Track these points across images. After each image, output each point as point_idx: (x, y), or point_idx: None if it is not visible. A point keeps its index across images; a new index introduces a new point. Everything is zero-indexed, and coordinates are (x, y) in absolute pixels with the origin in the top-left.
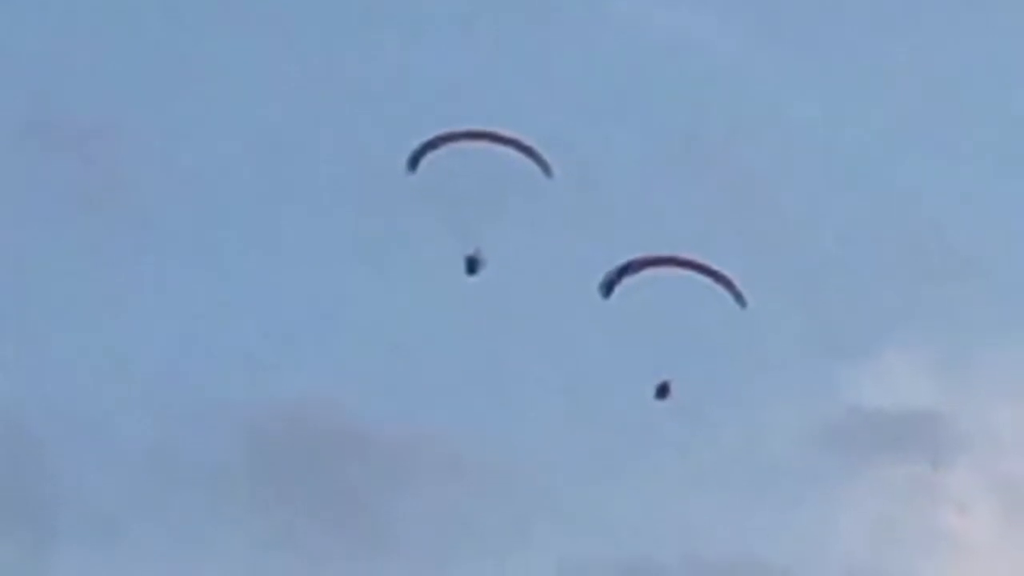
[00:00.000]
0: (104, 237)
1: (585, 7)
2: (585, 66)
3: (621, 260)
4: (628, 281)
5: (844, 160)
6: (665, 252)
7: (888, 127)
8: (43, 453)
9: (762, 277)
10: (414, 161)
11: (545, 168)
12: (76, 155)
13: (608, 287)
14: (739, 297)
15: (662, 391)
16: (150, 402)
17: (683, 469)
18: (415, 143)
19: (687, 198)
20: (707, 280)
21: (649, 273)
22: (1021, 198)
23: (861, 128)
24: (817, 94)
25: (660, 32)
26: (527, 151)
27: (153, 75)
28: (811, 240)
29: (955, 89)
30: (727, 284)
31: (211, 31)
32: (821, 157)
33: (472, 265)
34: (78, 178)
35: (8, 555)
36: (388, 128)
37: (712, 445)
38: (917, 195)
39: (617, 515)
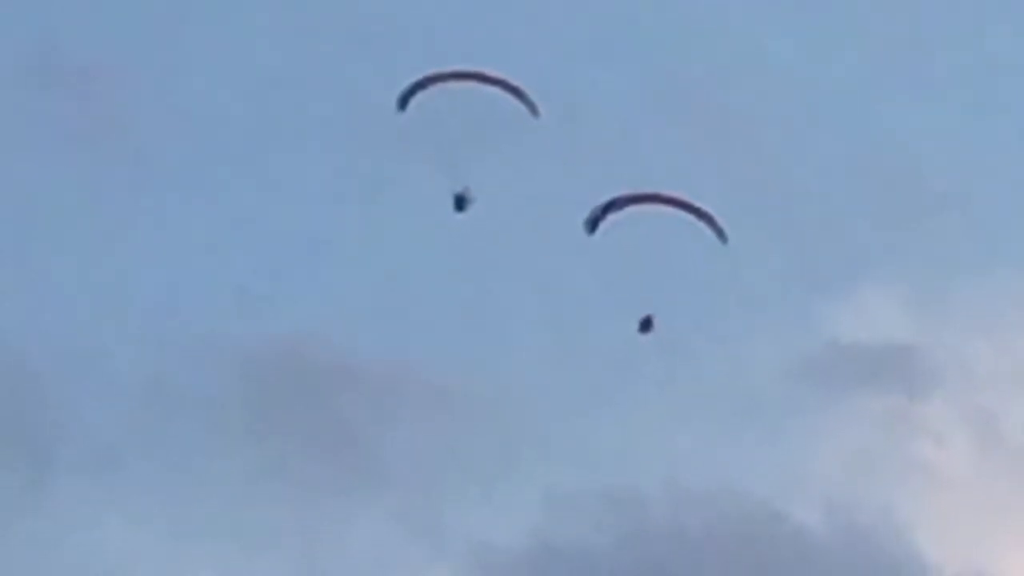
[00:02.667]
0: (102, 174)
1: None
2: (571, 9)
3: (605, 197)
4: (612, 217)
5: (823, 99)
6: (648, 189)
7: (866, 67)
8: (42, 386)
9: (743, 214)
10: (404, 100)
11: (532, 108)
12: (75, 93)
13: (593, 223)
14: (720, 233)
15: (645, 325)
16: (147, 336)
17: (666, 401)
18: (405, 83)
19: (670, 137)
20: (689, 217)
21: (633, 210)
22: (995, 137)
23: (839, 68)
24: (795, 35)
25: None
26: (514, 91)
27: (150, 16)
28: (790, 178)
29: (931, 29)
30: (709, 220)
31: None
32: (800, 96)
33: (460, 202)
34: (77, 116)
35: (8, 486)
36: (378, 68)
37: (694, 378)
38: (894, 134)
39: (601, 446)
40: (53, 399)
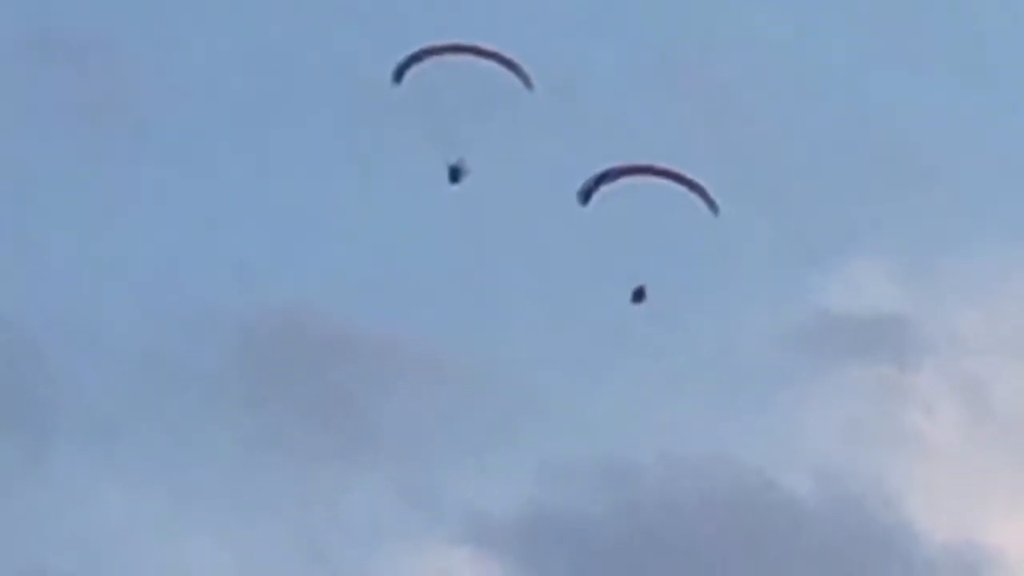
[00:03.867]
0: (102, 148)
1: None
2: None
3: (599, 169)
4: (605, 189)
5: (815, 73)
6: (642, 162)
7: (857, 42)
8: (42, 358)
9: (735, 186)
10: (399, 74)
11: (526, 81)
12: (75, 68)
13: (586, 195)
14: (713, 205)
15: (638, 295)
16: (146, 308)
17: (659, 371)
18: (400, 56)
19: (663, 110)
20: (682, 188)
21: (626, 181)
22: (984, 112)
23: (831, 43)
24: (788, 9)
25: None
26: (509, 64)
27: None
28: (783, 150)
29: (922, 3)
30: (701, 192)
31: None
32: (793, 70)
33: (455, 174)
34: (76, 91)
35: (8, 456)
36: (374, 42)
37: (687, 348)
38: (885, 108)
39: (595, 415)
40: (53, 371)
